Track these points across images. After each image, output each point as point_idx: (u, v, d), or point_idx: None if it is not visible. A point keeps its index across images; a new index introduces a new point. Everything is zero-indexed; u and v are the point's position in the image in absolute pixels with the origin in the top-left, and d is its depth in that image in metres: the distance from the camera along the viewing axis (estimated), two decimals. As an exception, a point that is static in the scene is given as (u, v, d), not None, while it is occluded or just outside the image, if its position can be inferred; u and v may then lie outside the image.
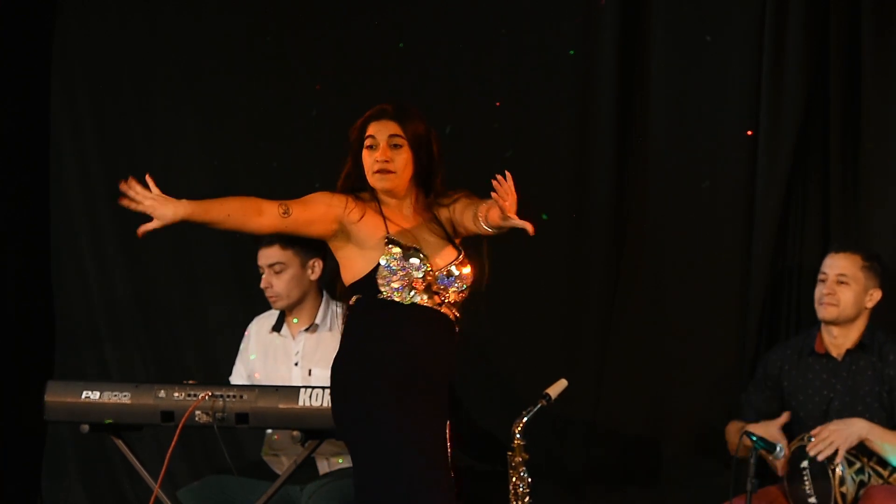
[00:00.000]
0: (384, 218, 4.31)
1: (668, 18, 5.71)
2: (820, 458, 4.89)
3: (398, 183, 4.31)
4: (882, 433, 4.94)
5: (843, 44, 5.55)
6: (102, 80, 6.35)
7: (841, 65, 5.54)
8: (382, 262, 4.24)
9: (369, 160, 4.30)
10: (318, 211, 4.30)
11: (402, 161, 4.30)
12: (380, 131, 4.31)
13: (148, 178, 4.10)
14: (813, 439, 4.94)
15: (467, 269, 4.30)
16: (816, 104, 5.59)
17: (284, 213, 4.25)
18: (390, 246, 4.25)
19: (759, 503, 4.94)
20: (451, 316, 4.28)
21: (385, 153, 4.28)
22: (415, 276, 4.23)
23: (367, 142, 4.32)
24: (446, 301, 4.27)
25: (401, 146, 4.29)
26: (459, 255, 4.31)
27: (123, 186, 4.08)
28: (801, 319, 5.61)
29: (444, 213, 4.38)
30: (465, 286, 4.30)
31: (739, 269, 5.66)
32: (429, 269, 4.24)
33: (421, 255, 4.25)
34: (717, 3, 5.68)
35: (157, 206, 4.09)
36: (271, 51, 6.14)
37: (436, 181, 4.36)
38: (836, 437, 4.88)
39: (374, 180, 4.30)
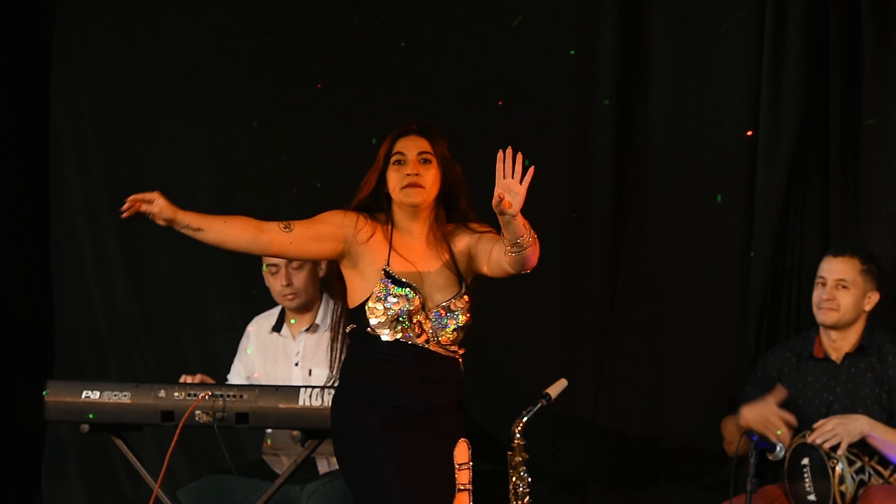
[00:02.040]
0: (390, 246, 4.29)
1: (668, 19, 5.71)
2: (826, 446, 4.88)
3: (426, 198, 4.29)
4: (884, 430, 4.94)
5: (843, 44, 5.54)
6: (102, 80, 6.35)
7: (841, 65, 5.54)
8: (374, 292, 4.22)
9: (397, 176, 4.28)
10: (325, 229, 4.29)
11: (431, 177, 4.28)
12: (409, 147, 4.30)
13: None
14: (814, 430, 4.94)
15: (464, 311, 4.26)
16: (816, 104, 5.59)
17: (285, 228, 4.25)
18: (386, 279, 4.24)
19: (760, 502, 4.94)
20: (442, 352, 4.25)
21: (415, 167, 4.26)
22: (403, 311, 4.21)
23: (395, 157, 4.30)
24: (434, 340, 4.24)
25: (430, 162, 4.29)
26: (461, 291, 4.27)
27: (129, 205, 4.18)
28: (800, 320, 5.61)
29: (462, 243, 4.32)
30: (458, 326, 4.26)
31: (739, 269, 5.66)
32: (418, 305, 4.22)
33: (414, 292, 4.22)
34: (716, 3, 5.67)
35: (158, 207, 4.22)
36: (272, 51, 6.14)
37: (459, 204, 4.34)
38: (839, 430, 4.88)
39: (402, 195, 4.28)
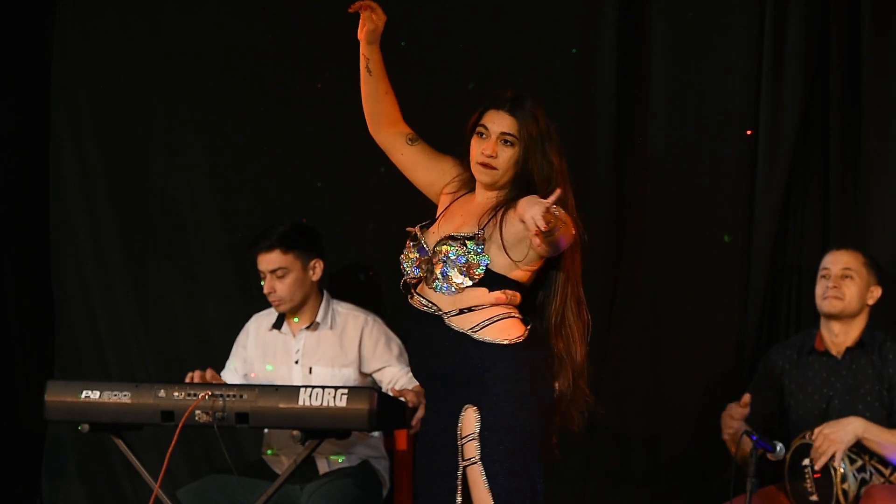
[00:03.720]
0: (449, 206, 4.26)
1: (668, 18, 5.71)
2: (818, 465, 4.87)
3: (496, 180, 4.20)
4: (879, 431, 4.92)
5: (843, 44, 5.55)
6: (102, 80, 6.34)
7: (841, 65, 5.54)
8: (404, 251, 4.26)
9: (476, 149, 4.20)
10: (433, 167, 4.32)
11: (508, 158, 4.18)
12: (494, 122, 4.20)
13: None
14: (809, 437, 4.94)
15: (470, 267, 4.14)
16: (816, 104, 5.59)
17: (409, 140, 4.32)
18: (415, 235, 4.24)
19: (760, 503, 4.94)
20: (445, 320, 4.16)
21: (492, 147, 4.17)
22: (411, 268, 4.22)
23: (479, 129, 4.21)
24: (430, 300, 4.17)
25: (511, 143, 4.18)
26: (474, 236, 4.13)
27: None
28: (800, 319, 5.60)
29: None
30: (458, 281, 4.13)
31: (739, 268, 5.66)
32: (425, 259, 4.19)
33: (422, 248, 4.20)
34: (716, 3, 5.67)
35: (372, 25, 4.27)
36: (272, 50, 6.13)
37: (541, 182, 4.14)
38: (832, 441, 4.87)
39: (475, 170, 4.21)
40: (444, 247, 4.16)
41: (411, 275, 4.22)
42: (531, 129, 4.17)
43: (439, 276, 4.15)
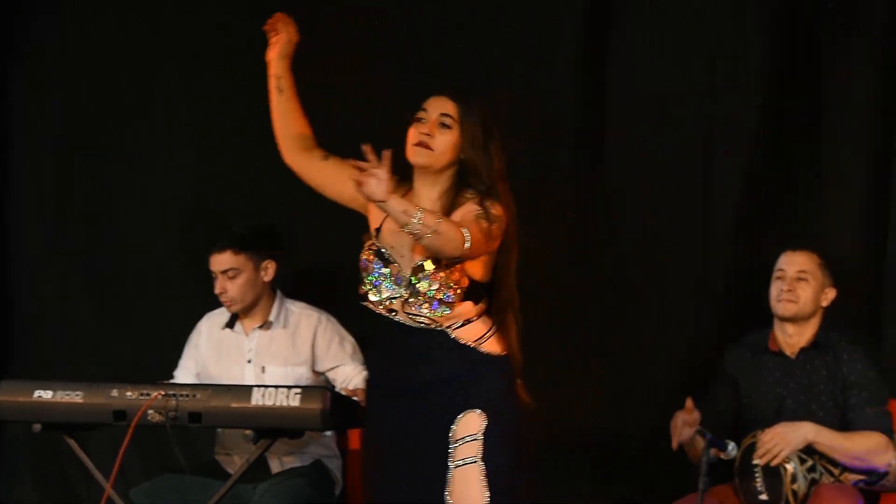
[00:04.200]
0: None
1: (628, 18, 5.71)
2: (762, 462, 4.87)
3: (432, 162, 4.11)
4: (830, 436, 4.92)
5: (802, 45, 5.56)
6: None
7: (799, 64, 5.55)
8: (361, 260, 4.19)
9: (413, 133, 4.12)
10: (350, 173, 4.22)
11: (446, 142, 4.11)
12: (433, 106, 4.13)
13: None
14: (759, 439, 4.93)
15: (443, 279, 4.10)
16: (774, 104, 5.59)
17: (323, 157, 4.28)
18: (371, 247, 4.18)
19: (711, 502, 4.92)
20: (424, 324, 4.14)
21: (431, 128, 4.10)
22: (381, 281, 4.17)
23: (419, 114, 4.14)
24: (408, 312, 4.14)
25: (450, 127, 4.11)
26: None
27: None
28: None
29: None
30: (436, 293, 4.11)
31: (700, 269, 5.70)
32: (395, 273, 4.14)
33: (391, 261, 4.15)
34: (676, 4, 5.68)
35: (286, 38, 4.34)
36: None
37: (482, 179, 4.11)
38: (780, 442, 4.86)
39: (409, 153, 4.12)
40: (432, 271, 4.10)
41: (386, 297, 4.17)
42: (473, 119, 4.12)
43: (432, 300, 4.12)
